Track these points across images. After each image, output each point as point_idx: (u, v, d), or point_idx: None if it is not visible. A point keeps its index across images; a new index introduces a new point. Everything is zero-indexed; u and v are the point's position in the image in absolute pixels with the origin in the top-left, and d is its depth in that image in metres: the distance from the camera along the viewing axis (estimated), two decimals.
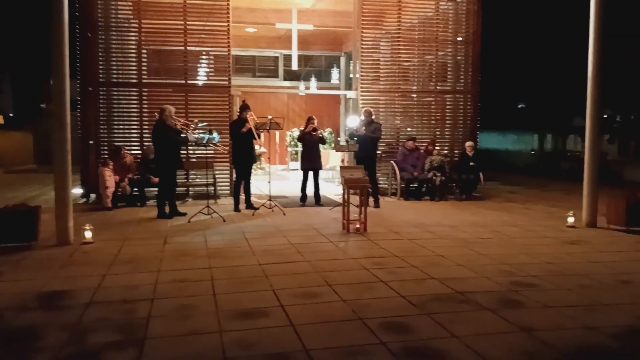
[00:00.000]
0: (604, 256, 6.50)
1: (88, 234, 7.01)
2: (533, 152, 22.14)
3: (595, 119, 8.54)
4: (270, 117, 9.49)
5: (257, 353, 3.60)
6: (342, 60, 16.71)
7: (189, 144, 9.65)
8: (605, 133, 16.78)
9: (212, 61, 11.71)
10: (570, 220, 8.39)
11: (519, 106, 48.75)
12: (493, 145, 23.94)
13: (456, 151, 12.58)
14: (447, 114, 12.80)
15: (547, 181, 16.34)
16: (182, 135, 9.03)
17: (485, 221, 8.89)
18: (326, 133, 15.10)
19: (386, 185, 12.00)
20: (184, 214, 9.02)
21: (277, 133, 16.43)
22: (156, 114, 9.27)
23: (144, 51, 11.32)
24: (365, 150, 10.20)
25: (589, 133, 8.60)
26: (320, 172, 10.77)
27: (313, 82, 15.91)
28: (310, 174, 10.42)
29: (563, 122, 34.80)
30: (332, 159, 14.41)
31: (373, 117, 10.64)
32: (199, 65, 11.67)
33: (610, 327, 4.11)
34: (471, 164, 11.66)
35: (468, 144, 11.99)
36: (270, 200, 9.63)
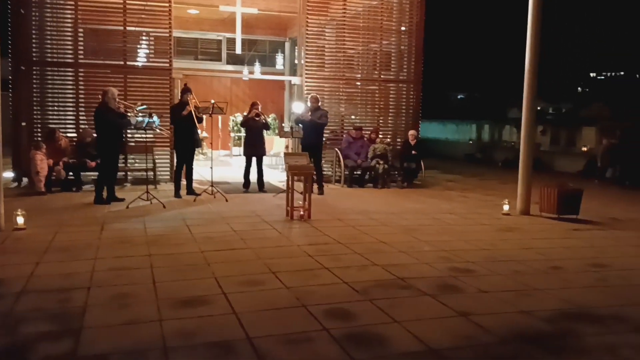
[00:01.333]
0: (537, 243, 6.78)
1: (20, 220, 6.69)
2: (471, 142, 22.76)
3: (530, 111, 8.85)
4: (213, 101, 9.33)
5: (199, 342, 3.55)
6: (287, 45, 16.58)
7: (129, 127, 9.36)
8: (539, 124, 17.46)
9: (152, 42, 11.36)
10: (506, 208, 8.69)
11: (459, 97, 50.07)
12: (434, 134, 24.46)
13: (398, 140, 12.79)
14: (391, 103, 12.97)
15: (484, 170, 16.86)
16: (126, 118, 8.75)
17: (426, 209, 9.09)
18: (270, 119, 14.98)
19: (330, 173, 12.05)
20: (122, 200, 8.76)
21: (220, 118, 16.14)
22: (99, 96, 8.93)
23: (81, 30, 10.84)
24: (312, 137, 10.22)
25: (524, 124, 8.90)
26: (264, 158, 10.69)
27: (257, 67, 15.72)
28: (254, 160, 10.33)
29: (500, 113, 35.96)
30: (276, 145, 14.33)
31: (319, 103, 10.64)
32: (138, 46, 11.28)
33: (542, 311, 4.29)
34: (413, 152, 11.89)
35: (410, 132, 12.21)
36: (212, 186, 9.48)
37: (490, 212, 8.86)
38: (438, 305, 4.36)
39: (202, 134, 13.40)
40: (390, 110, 12.99)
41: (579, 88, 53.65)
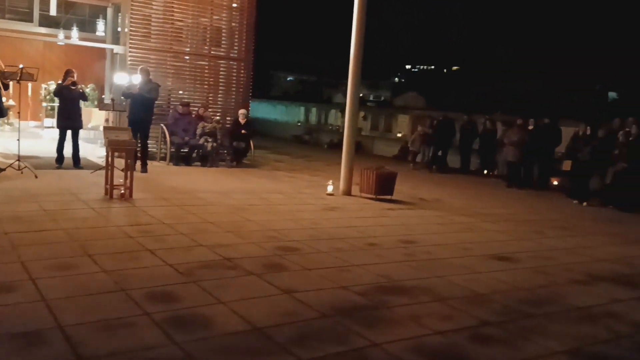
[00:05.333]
0: (357, 221, 7.21)
1: None
2: (299, 124, 23.42)
3: (354, 98, 9.34)
4: (21, 66, 8.37)
5: (2, 332, 3.18)
6: (110, 11, 15.40)
7: None
8: (361, 110, 18.50)
9: None
10: (330, 188, 9.11)
11: (288, 78, 51.09)
12: (263, 114, 24.70)
13: (228, 118, 12.67)
14: (221, 80, 12.79)
15: (311, 151, 17.48)
16: None
17: (254, 188, 9.17)
18: (88, 89, 13.90)
19: (155, 149, 11.55)
20: None
21: (30, 85, 14.57)
22: None
23: None
24: (140, 112, 9.73)
25: (348, 110, 9.37)
26: (81, 131, 9.89)
27: (75, 32, 14.42)
28: (69, 133, 9.51)
29: (326, 97, 37.48)
30: (94, 118, 13.36)
31: (151, 76, 10.12)
32: None
33: (359, 286, 4.58)
34: (242, 131, 11.87)
35: (240, 111, 12.17)
36: (19, 160, 8.54)
37: (315, 192, 9.21)
38: (264, 284, 4.42)
39: (9, 102, 12.03)
40: (220, 88, 12.81)
41: (396, 78, 57.96)
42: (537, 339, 3.81)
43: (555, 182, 12.19)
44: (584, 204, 10.44)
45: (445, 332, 3.78)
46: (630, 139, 10.12)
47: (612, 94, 46.39)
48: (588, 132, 10.89)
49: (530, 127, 12.42)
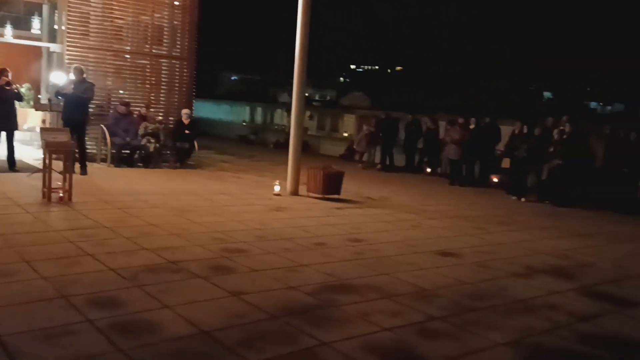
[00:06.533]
0: (304, 221, 7.21)
1: None
2: (245, 123, 23.21)
3: (299, 97, 9.34)
4: None
5: None
6: (45, 8, 14.79)
7: None
8: (307, 110, 18.52)
9: None
10: (277, 188, 9.07)
11: (233, 78, 50.67)
12: (207, 114, 24.33)
13: (171, 118, 12.41)
14: (163, 79, 12.51)
15: (257, 152, 17.37)
16: None
17: (199, 189, 9.03)
18: (24, 89, 13.33)
19: (95, 151, 11.18)
20: None
21: None
22: None
23: None
24: (75, 112, 9.39)
25: (294, 110, 9.36)
26: (16, 133, 9.48)
27: (8, 30, 13.78)
28: (3, 134, 9.12)
29: (272, 97, 37.36)
30: (30, 119, 12.79)
31: (84, 75, 9.79)
32: None
33: (307, 285, 4.58)
34: (186, 131, 11.66)
35: (184, 111, 11.94)
36: None
37: (262, 193, 9.15)
38: (210, 287, 4.35)
39: None
40: (163, 87, 12.53)
41: (341, 78, 58.48)
42: (481, 331, 3.92)
43: (496, 179, 12.58)
44: (522, 199, 10.83)
45: (393, 329, 3.83)
46: (564, 136, 10.56)
47: (546, 94, 48.42)
48: (525, 130, 11.29)
49: (472, 126, 12.75)
